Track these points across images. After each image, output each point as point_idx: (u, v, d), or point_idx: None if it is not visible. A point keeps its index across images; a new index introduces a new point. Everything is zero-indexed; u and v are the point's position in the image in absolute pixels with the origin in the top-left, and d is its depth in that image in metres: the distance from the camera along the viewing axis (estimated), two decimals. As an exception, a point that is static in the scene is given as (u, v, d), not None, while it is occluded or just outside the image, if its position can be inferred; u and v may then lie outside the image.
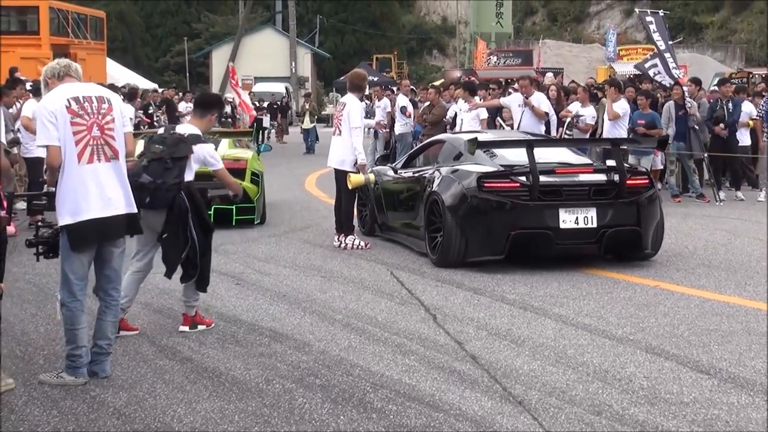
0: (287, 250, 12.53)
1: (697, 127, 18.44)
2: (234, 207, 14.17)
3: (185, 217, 7.96)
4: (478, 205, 11.01)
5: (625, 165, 12.05)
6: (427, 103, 21.39)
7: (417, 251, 12.08)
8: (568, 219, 10.91)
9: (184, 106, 30.05)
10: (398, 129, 22.43)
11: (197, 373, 6.98)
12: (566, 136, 17.37)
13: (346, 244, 12.59)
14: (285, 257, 12.01)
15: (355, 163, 12.60)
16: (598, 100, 20.02)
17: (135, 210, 7.02)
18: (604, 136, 17.03)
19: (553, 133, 17.42)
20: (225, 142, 16.00)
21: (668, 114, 18.29)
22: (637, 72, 24.45)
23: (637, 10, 30.63)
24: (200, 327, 8.32)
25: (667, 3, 72.81)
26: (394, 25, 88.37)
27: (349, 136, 12.58)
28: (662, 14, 21.57)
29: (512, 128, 17.44)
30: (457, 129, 18.49)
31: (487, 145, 11.95)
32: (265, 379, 6.80)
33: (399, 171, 13.50)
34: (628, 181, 11.20)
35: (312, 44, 75.37)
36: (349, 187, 12.55)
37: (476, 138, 11.78)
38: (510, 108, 17.79)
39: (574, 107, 17.93)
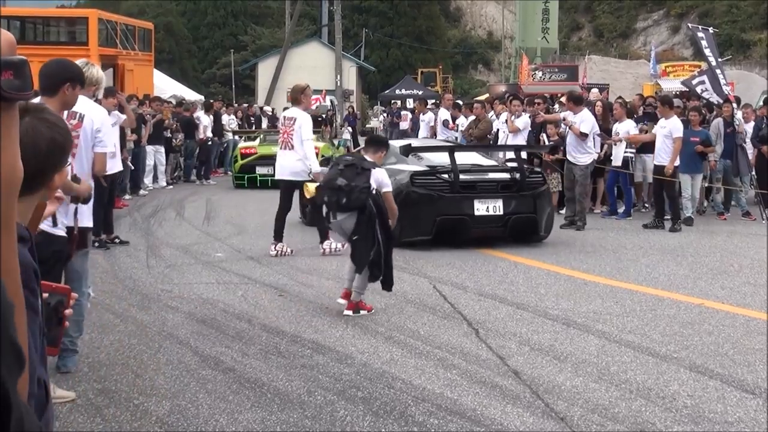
0: (330, 262, 12.55)
1: (744, 145, 18.31)
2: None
3: (374, 221, 9.03)
4: (411, 197, 13.37)
5: (525, 166, 14.76)
6: (473, 118, 21.39)
7: (460, 265, 12.11)
8: (481, 208, 13.70)
9: (227, 119, 30.20)
10: (440, 143, 22.42)
11: (240, 384, 7.01)
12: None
13: (277, 251, 13.07)
14: (328, 269, 12.03)
15: (310, 172, 12.94)
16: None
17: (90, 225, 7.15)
18: (657, 148, 16.95)
19: (596, 149, 17.27)
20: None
21: (717, 131, 18.15)
22: (684, 89, 24.22)
23: (689, 24, 30.30)
24: (362, 312, 9.26)
25: (714, 20, 72.37)
26: (439, 39, 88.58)
27: (302, 148, 13.03)
28: (711, 31, 21.38)
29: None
30: (500, 142, 18.70)
31: (418, 150, 14.80)
32: (307, 391, 6.82)
33: None
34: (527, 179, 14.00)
35: (357, 57, 75.55)
36: (307, 196, 12.81)
37: (410, 144, 14.99)
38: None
39: (623, 127, 17.84)
